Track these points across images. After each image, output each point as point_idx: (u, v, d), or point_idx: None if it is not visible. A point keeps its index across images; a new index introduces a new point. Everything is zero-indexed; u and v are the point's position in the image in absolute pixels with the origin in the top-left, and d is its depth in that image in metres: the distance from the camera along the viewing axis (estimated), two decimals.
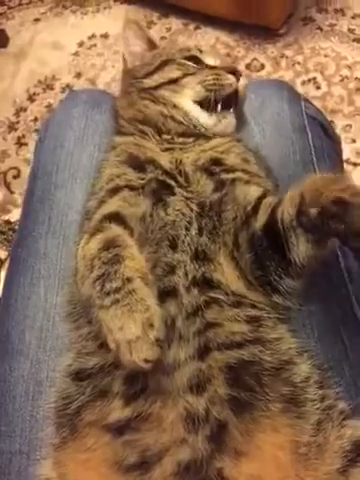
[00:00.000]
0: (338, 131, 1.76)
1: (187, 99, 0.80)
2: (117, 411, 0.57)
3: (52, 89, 2.12)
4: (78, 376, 0.62)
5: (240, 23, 2.01)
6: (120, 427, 0.57)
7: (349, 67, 1.92)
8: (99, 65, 2.13)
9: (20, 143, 1.99)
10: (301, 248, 0.63)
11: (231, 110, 0.81)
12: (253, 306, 0.64)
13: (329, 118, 1.78)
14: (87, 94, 0.99)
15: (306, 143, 0.89)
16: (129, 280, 0.53)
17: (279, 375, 0.59)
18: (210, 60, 0.84)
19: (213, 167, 0.73)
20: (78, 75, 2.13)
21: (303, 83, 1.90)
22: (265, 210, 0.67)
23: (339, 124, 1.78)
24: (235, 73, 0.81)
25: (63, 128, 0.93)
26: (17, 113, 2.08)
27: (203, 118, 0.79)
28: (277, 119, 0.92)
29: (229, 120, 0.81)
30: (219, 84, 0.79)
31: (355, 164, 1.69)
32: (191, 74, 0.81)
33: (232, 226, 0.67)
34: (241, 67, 2.00)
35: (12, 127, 2.03)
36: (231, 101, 0.81)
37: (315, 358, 0.63)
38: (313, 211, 0.60)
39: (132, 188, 0.69)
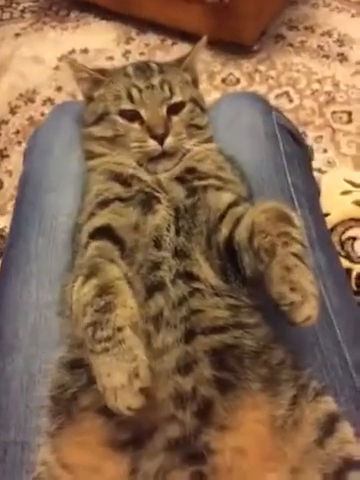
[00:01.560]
0: (310, 142, 1.85)
1: (124, 156, 0.81)
2: None
3: (33, 102, 2.16)
4: (73, 365, 0.66)
5: (216, 40, 2.10)
6: None
7: (319, 81, 2.02)
8: None
9: (2, 155, 2.01)
10: (253, 267, 0.65)
11: (164, 159, 0.80)
12: (231, 296, 0.69)
13: (301, 129, 1.88)
14: (74, 105, 1.04)
15: (277, 150, 0.96)
16: (119, 329, 0.55)
17: (258, 358, 0.64)
18: (141, 111, 0.81)
19: (186, 175, 0.79)
20: (59, 89, 2.17)
21: (276, 96, 1.99)
22: (230, 222, 0.72)
23: (311, 135, 1.86)
24: (157, 137, 0.79)
25: (52, 136, 0.98)
26: None
27: (141, 172, 0.79)
28: (251, 128, 0.98)
29: (164, 164, 0.80)
30: (142, 151, 0.79)
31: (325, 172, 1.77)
32: (121, 135, 0.81)
33: (204, 228, 0.73)
34: (217, 81, 2.08)
35: None
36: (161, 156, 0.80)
37: (289, 343, 0.69)
38: (255, 243, 0.63)
39: (121, 200, 0.74)
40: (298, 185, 0.93)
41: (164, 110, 0.82)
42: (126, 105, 0.82)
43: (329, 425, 0.60)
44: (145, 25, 2.31)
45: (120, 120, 0.82)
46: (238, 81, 2.08)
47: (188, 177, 0.78)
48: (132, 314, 0.57)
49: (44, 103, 2.14)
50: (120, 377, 0.52)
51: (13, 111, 2.14)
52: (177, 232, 0.72)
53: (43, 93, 2.18)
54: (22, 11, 2.57)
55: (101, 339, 0.55)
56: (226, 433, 0.59)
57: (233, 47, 2.13)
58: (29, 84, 2.21)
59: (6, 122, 2.11)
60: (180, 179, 0.78)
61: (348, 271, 1.17)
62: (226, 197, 0.76)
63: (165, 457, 0.58)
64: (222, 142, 0.90)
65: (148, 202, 0.74)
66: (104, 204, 0.74)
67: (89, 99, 0.89)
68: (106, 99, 0.84)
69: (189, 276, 0.69)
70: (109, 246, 0.69)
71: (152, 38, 2.30)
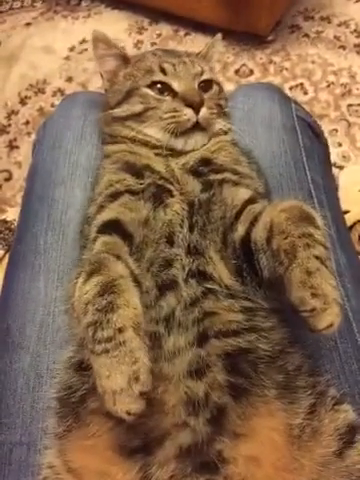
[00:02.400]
0: (325, 135, 1.81)
1: (154, 129, 0.79)
2: None
3: (43, 93, 2.13)
4: (81, 366, 0.64)
5: (229, 30, 2.05)
6: None
7: (335, 73, 1.97)
8: (90, 69, 2.15)
9: (11, 146, 2.00)
10: (271, 269, 0.62)
11: (196, 132, 0.79)
12: (246, 298, 0.66)
13: None
14: (85, 96, 1.02)
15: (296, 143, 0.93)
16: (121, 330, 0.52)
17: (274, 363, 0.62)
18: (174, 83, 0.80)
19: (201, 168, 0.75)
20: (69, 79, 2.15)
21: (291, 88, 1.95)
22: (246, 220, 0.68)
23: (326, 129, 1.82)
24: (193, 105, 0.77)
25: (62, 129, 0.96)
26: (8, 116, 2.09)
27: (171, 142, 0.78)
28: (269, 121, 0.95)
29: (195, 139, 0.79)
30: (176, 121, 0.77)
31: (341, 167, 1.73)
32: (152, 108, 0.79)
33: (220, 225, 0.70)
34: (230, 73, 2.04)
35: (3, 130, 2.04)
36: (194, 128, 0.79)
37: (306, 348, 0.66)
38: (274, 244, 0.60)
39: (132, 192, 0.71)
40: (318, 181, 0.89)
41: (196, 84, 0.81)
42: (158, 77, 0.81)
43: (349, 436, 0.58)
44: (157, 15, 2.26)
45: (151, 92, 0.80)
46: (252, 72, 2.03)
47: (204, 169, 0.75)
48: (135, 315, 0.54)
49: (54, 94, 2.11)
50: (120, 380, 0.50)
51: (23, 102, 2.12)
52: (191, 228, 0.69)
53: (53, 83, 2.15)
54: (33, 0, 2.53)
55: (101, 340, 0.52)
56: (240, 441, 0.57)
57: (247, 37, 2.09)
58: (39, 74, 2.19)
59: (16, 113, 2.09)
60: (195, 172, 0.75)
61: None
62: (243, 193, 0.72)
63: (176, 465, 0.56)
64: (238, 134, 0.87)
65: (159, 196, 0.71)
66: (114, 196, 0.72)
67: (112, 80, 0.87)
68: (135, 75, 0.83)
69: (203, 275, 0.66)
70: (118, 242, 0.66)
71: (165, 28, 2.26)
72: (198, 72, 0.83)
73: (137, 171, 0.75)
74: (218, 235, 0.70)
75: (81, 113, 0.96)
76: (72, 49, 2.24)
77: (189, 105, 0.77)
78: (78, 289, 0.59)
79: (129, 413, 0.50)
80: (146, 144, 0.79)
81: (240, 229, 0.68)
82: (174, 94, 0.79)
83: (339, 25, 2.13)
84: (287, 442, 0.57)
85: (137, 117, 0.80)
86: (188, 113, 0.77)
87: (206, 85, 0.84)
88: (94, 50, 0.88)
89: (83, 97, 1.01)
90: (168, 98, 0.79)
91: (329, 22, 2.15)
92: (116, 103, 0.84)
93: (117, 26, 2.32)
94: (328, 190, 0.91)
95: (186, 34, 2.22)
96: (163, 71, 0.81)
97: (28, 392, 0.72)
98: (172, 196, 0.72)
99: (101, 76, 0.90)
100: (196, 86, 0.81)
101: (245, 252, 0.67)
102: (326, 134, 1.80)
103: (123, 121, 0.82)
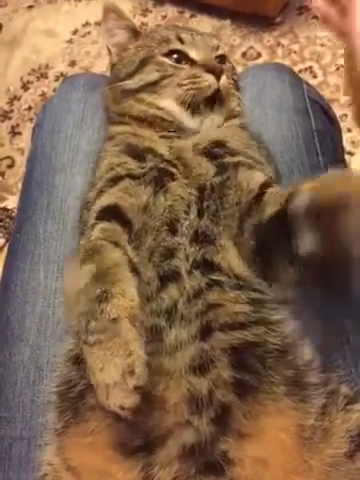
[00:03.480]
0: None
1: (169, 100, 0.75)
2: None
3: (46, 78, 2.09)
4: (80, 360, 0.61)
5: (236, 12, 2.00)
6: None
7: None
8: (94, 53, 2.11)
9: (14, 132, 1.97)
10: (309, 244, 0.58)
11: (215, 107, 0.76)
12: (255, 289, 0.63)
13: None
14: (86, 77, 0.98)
15: (308, 126, 0.88)
16: (115, 321, 0.49)
17: (283, 357, 0.58)
18: (192, 52, 0.77)
19: (216, 150, 0.71)
20: (72, 63, 2.10)
21: (299, 72, 1.89)
22: (276, 200, 0.64)
23: (336, 113, 1.77)
24: (214, 71, 0.74)
25: (61, 112, 0.92)
26: (11, 102, 2.05)
27: (186, 120, 0.75)
28: (279, 103, 0.90)
29: (211, 119, 0.75)
30: (196, 88, 0.73)
31: (351, 153, 1.69)
32: (169, 75, 0.75)
33: (236, 210, 0.66)
34: (237, 55, 1.99)
35: (6, 116, 2.01)
36: (214, 99, 0.76)
37: (317, 341, 0.63)
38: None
39: (133, 177, 0.68)
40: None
41: (214, 56, 0.79)
42: (176, 45, 0.78)
43: None
44: None
45: (168, 61, 0.77)
46: (259, 55, 1.98)
47: (219, 151, 0.71)
48: (131, 305, 0.51)
49: (57, 79, 2.07)
50: (113, 373, 0.47)
51: (25, 87, 2.08)
52: (200, 214, 0.65)
53: (56, 68, 2.11)
54: None
55: (94, 330, 0.49)
56: (246, 442, 0.54)
57: (254, 19, 2.03)
58: (42, 59, 2.15)
59: (18, 98, 2.06)
60: (209, 153, 0.70)
61: None
62: (258, 176, 0.68)
63: (179, 466, 0.53)
64: (247, 117, 0.84)
65: (160, 180, 0.67)
66: (114, 181, 0.68)
67: (121, 54, 0.84)
68: (149, 45, 0.80)
69: (209, 266, 0.63)
70: (117, 228, 0.63)
71: (170, 10, 2.20)
72: (215, 45, 0.80)
73: (139, 154, 0.70)
74: (234, 221, 0.66)
75: (81, 96, 0.93)
76: (75, 32, 2.20)
77: (210, 71, 0.74)
78: (70, 278, 0.57)
79: (123, 408, 0.47)
80: (154, 123, 0.76)
81: (269, 209, 0.64)
82: (192, 63, 0.76)
83: None
84: (297, 444, 0.54)
85: (151, 87, 0.76)
86: (209, 79, 0.73)
87: (221, 60, 0.81)
88: (103, 22, 0.83)
89: (84, 79, 0.97)
90: (186, 66, 0.76)
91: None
92: (127, 75, 0.80)
93: (121, 8, 2.26)
94: None
95: (192, 16, 2.16)
96: (181, 40, 0.78)
97: (28, 386, 0.70)
98: (174, 179, 0.68)
99: (108, 50, 0.86)
100: (214, 57, 0.78)
101: (276, 228, 0.62)
102: None
103: (135, 94, 0.78)
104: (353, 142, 1.72)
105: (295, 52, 1.96)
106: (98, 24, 2.21)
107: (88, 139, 0.88)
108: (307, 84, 0.97)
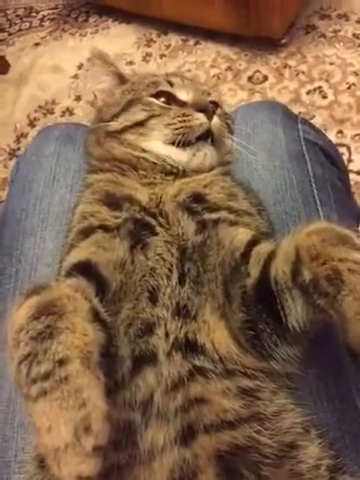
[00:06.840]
0: (347, 141, 1.68)
1: (156, 142, 0.70)
2: None
3: (52, 113, 2.09)
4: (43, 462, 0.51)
5: (240, 35, 1.96)
6: None
7: (356, 73, 1.84)
8: None
9: None
10: (299, 312, 0.51)
11: (208, 143, 0.69)
12: (246, 375, 0.53)
13: (337, 128, 1.71)
14: (60, 130, 0.90)
15: (305, 173, 0.78)
16: (62, 362, 0.39)
17: (282, 465, 0.48)
18: (182, 94, 0.73)
19: (194, 205, 0.63)
20: (78, 98, 2.09)
21: (308, 93, 1.83)
22: (258, 262, 0.56)
23: (348, 134, 1.69)
24: (206, 111, 0.69)
25: (33, 168, 0.84)
26: (18, 139, 2.05)
27: (175, 154, 0.68)
28: (270, 147, 0.80)
29: (205, 152, 0.69)
30: (187, 126, 0.68)
31: None
32: (157, 115, 0.70)
33: (219, 273, 0.57)
34: (243, 80, 1.94)
35: (13, 154, 2.00)
36: (206, 138, 0.70)
37: (326, 433, 0.52)
38: (307, 275, 0.49)
39: (106, 229, 0.59)
40: (334, 219, 0.74)
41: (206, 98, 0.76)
42: (165, 88, 0.74)
43: None
44: (166, 26, 2.19)
45: (156, 101, 0.72)
46: (266, 78, 1.92)
47: (196, 207, 0.62)
48: (84, 342, 0.41)
49: (63, 114, 2.06)
50: (64, 433, 0.37)
51: (32, 124, 2.08)
52: (181, 280, 0.56)
53: (62, 103, 2.10)
54: (41, 20, 2.51)
55: (37, 377, 0.39)
56: None
57: (259, 42, 1.98)
58: (48, 95, 2.15)
59: (25, 135, 2.05)
60: (188, 209, 0.62)
61: None
62: (243, 233, 0.60)
63: None
64: (233, 165, 0.76)
65: (137, 234, 0.59)
66: (85, 233, 0.60)
67: (106, 100, 0.80)
68: (136, 89, 0.76)
69: (191, 347, 0.53)
70: (85, 284, 0.52)
71: (173, 38, 2.18)
72: (205, 91, 0.78)
73: (115, 202, 0.63)
74: (218, 286, 0.57)
75: (54, 150, 0.85)
76: (80, 67, 2.19)
77: (201, 111, 0.69)
78: (11, 317, 0.45)
79: (81, 478, 0.37)
80: (136, 166, 0.69)
81: (253, 273, 0.56)
82: (182, 104, 0.72)
83: (358, 22, 2.00)
84: None
85: (137, 128, 0.71)
86: (200, 117, 0.68)
87: (214, 105, 0.75)
88: (90, 67, 0.81)
89: (58, 131, 0.89)
90: (175, 107, 0.71)
91: (347, 19, 2.02)
92: (112, 116, 0.74)
93: (125, 40, 2.25)
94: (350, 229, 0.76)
95: (196, 43, 2.13)
96: (170, 83, 0.75)
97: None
98: (154, 233, 0.59)
99: (94, 96, 0.82)
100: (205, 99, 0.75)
101: (262, 299, 0.54)
102: (349, 140, 1.68)
103: (118, 135, 0.72)
104: None
105: (303, 73, 1.90)
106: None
107: (60, 199, 0.80)
108: (304, 122, 0.87)
